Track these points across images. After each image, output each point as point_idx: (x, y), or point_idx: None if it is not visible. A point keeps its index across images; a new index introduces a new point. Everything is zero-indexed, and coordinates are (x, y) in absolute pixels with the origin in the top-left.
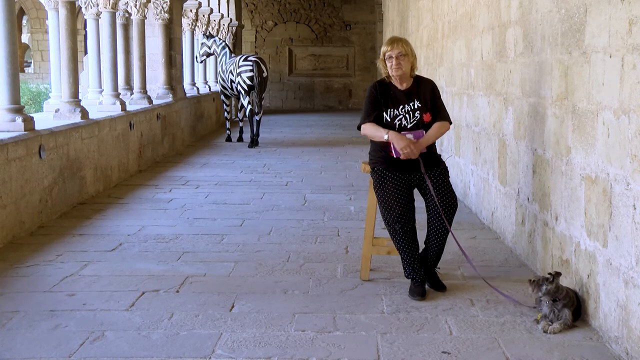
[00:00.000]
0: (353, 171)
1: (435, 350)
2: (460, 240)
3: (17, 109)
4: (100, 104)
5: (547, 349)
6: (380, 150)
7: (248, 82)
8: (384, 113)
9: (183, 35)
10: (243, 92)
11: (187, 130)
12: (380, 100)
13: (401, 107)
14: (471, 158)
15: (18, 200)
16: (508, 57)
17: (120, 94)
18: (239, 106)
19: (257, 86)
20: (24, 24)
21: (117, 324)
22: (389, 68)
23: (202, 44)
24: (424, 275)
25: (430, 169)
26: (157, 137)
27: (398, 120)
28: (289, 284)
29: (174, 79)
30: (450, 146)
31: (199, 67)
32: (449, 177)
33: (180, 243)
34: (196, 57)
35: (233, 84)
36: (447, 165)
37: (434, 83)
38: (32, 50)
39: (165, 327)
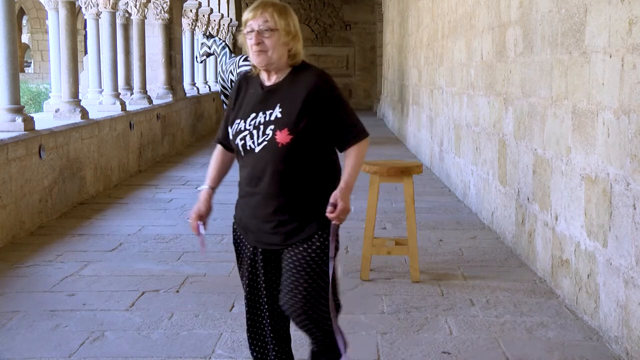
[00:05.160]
0: None
1: (435, 350)
2: (461, 241)
3: (17, 109)
4: (100, 104)
5: (547, 349)
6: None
7: None
8: (229, 127)
9: (183, 35)
10: None
11: (187, 130)
12: (235, 105)
13: (252, 116)
14: (471, 158)
15: (18, 200)
16: (508, 57)
17: (120, 94)
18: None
19: None
20: (24, 24)
21: (117, 324)
22: (249, 50)
23: (202, 44)
24: None
25: (291, 240)
26: (157, 137)
27: (241, 140)
28: None
29: (174, 79)
30: (450, 146)
31: (199, 67)
32: (321, 262)
33: (180, 243)
34: (196, 57)
35: (233, 84)
36: (336, 244)
37: (324, 78)
38: (32, 50)
39: (165, 327)
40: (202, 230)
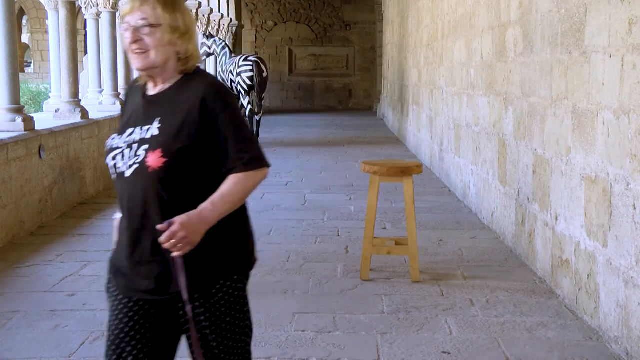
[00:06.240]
0: (353, 171)
1: (435, 350)
2: (461, 241)
3: (17, 109)
4: (100, 104)
5: (547, 349)
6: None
7: (248, 82)
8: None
9: None
10: (243, 92)
11: None
12: (122, 118)
13: (129, 132)
14: (471, 158)
15: (18, 200)
16: (508, 57)
17: (120, 93)
18: (239, 106)
19: (257, 86)
20: (24, 24)
21: None
22: (127, 51)
23: (202, 44)
24: None
25: (196, 292)
26: None
27: (113, 159)
28: (289, 284)
29: None
30: (450, 146)
31: None
32: (239, 311)
33: None
34: None
35: (233, 84)
36: (240, 283)
37: (214, 89)
38: (32, 50)
39: None
40: None
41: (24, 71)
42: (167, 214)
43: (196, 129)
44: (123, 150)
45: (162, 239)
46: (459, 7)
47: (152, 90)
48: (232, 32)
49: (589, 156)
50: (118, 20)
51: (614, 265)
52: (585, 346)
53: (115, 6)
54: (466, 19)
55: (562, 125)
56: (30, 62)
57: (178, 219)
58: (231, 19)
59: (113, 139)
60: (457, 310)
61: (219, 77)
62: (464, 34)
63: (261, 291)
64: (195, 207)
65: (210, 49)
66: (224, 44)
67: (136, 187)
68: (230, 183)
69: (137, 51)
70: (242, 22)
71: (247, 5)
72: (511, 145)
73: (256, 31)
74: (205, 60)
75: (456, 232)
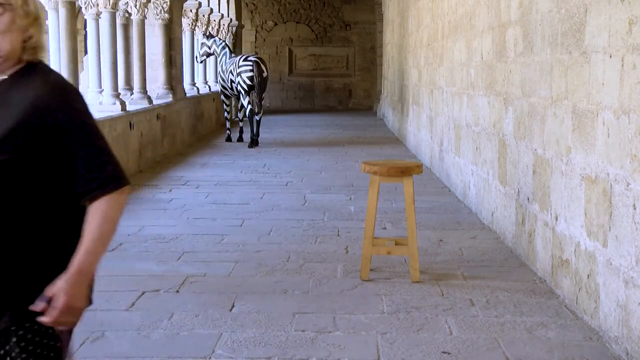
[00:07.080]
0: (353, 171)
1: (435, 350)
2: (461, 241)
3: None
4: (100, 104)
5: (547, 349)
6: None
7: (248, 82)
8: None
9: (183, 35)
10: (243, 92)
11: (187, 130)
12: None
13: None
14: (471, 158)
15: None
16: (508, 57)
17: (120, 94)
18: (239, 106)
19: (257, 86)
20: None
21: (117, 324)
22: None
23: (202, 44)
24: None
25: None
26: (157, 137)
27: None
28: (289, 284)
29: (174, 79)
30: (450, 146)
31: (199, 67)
32: None
33: (180, 243)
34: (196, 57)
35: (233, 84)
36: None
37: (60, 95)
38: None
39: (165, 327)
40: None
41: None
42: None
43: (30, 139)
44: None
45: (45, 319)
46: (459, 7)
47: None
48: (232, 32)
49: (589, 156)
50: (118, 20)
51: (614, 265)
52: (585, 346)
53: (115, 6)
54: (466, 19)
55: (562, 125)
56: None
57: (59, 291)
58: (231, 19)
59: None
60: (457, 310)
61: (218, 77)
62: (464, 34)
63: (261, 291)
64: (13, 235)
65: (210, 49)
66: (224, 44)
67: None
68: (97, 218)
69: None
70: (242, 22)
71: (247, 5)
72: (511, 145)
73: (256, 31)
74: (205, 60)
75: (456, 232)
